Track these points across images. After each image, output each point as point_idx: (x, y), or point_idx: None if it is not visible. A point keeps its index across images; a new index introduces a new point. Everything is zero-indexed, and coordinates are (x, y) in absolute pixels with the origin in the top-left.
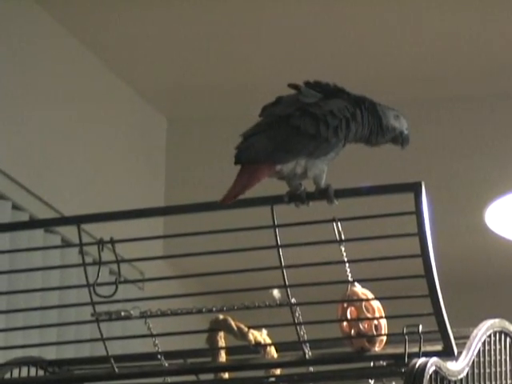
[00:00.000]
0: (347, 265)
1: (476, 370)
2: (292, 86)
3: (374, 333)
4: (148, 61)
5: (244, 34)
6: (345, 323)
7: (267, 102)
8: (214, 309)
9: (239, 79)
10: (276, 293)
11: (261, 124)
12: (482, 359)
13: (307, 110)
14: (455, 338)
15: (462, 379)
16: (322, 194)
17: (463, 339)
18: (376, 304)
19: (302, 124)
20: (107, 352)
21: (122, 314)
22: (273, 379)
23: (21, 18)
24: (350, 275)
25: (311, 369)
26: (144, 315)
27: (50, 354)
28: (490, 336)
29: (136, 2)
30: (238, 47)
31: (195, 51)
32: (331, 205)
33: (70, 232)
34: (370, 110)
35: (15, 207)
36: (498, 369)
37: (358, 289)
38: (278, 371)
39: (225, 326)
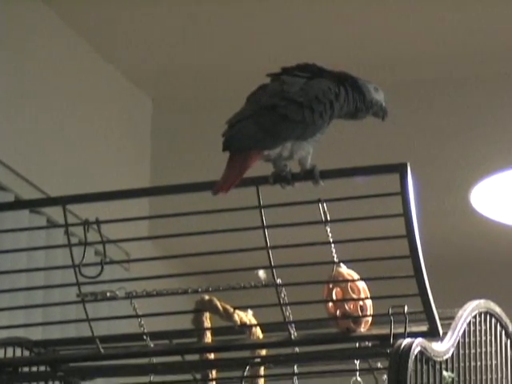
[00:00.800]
0: (333, 246)
1: (461, 351)
2: (272, 75)
3: (360, 314)
4: (133, 42)
5: (231, 16)
6: (330, 304)
7: (253, 84)
8: (199, 289)
9: (225, 61)
10: (261, 273)
11: (246, 111)
12: (467, 340)
13: (292, 99)
14: (440, 319)
15: (447, 360)
16: (308, 174)
17: (448, 320)
18: (361, 285)
19: (288, 112)
20: (93, 333)
21: (108, 294)
22: (258, 360)
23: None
24: (335, 256)
25: (297, 349)
26: (129, 296)
27: (36, 334)
28: (475, 317)
29: None
30: (225, 29)
31: (181, 32)
32: (317, 186)
33: (55, 213)
34: (353, 86)
35: (0, 188)
36: (483, 349)
37: (344, 270)
38: (263, 352)
39: (210, 307)
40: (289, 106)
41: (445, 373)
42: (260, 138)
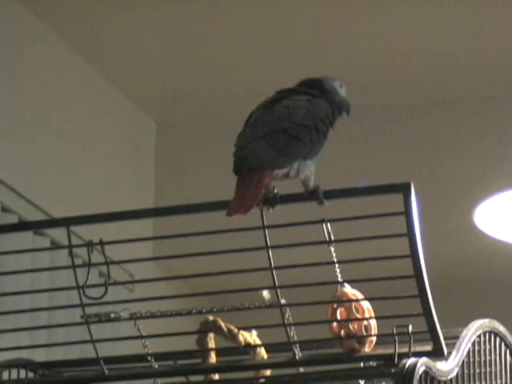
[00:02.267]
0: (337, 265)
1: (466, 371)
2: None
3: (364, 333)
4: (138, 65)
5: (233, 40)
6: (335, 324)
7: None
8: (203, 310)
9: (228, 84)
10: (266, 294)
11: (255, 133)
12: (471, 359)
13: (301, 123)
14: (445, 339)
15: (451, 379)
16: (312, 195)
17: (453, 339)
18: (366, 305)
19: (299, 134)
20: (97, 354)
21: (112, 315)
22: (263, 380)
23: (13, 24)
24: (339, 276)
25: (301, 370)
26: (134, 317)
27: (40, 355)
28: (479, 336)
29: (126, 8)
30: (228, 53)
31: (184, 56)
32: (321, 206)
33: (59, 234)
34: (331, 93)
35: (4, 209)
36: (488, 369)
37: (348, 289)
38: (268, 372)
39: (215, 328)
40: (298, 128)
41: None
42: (273, 157)
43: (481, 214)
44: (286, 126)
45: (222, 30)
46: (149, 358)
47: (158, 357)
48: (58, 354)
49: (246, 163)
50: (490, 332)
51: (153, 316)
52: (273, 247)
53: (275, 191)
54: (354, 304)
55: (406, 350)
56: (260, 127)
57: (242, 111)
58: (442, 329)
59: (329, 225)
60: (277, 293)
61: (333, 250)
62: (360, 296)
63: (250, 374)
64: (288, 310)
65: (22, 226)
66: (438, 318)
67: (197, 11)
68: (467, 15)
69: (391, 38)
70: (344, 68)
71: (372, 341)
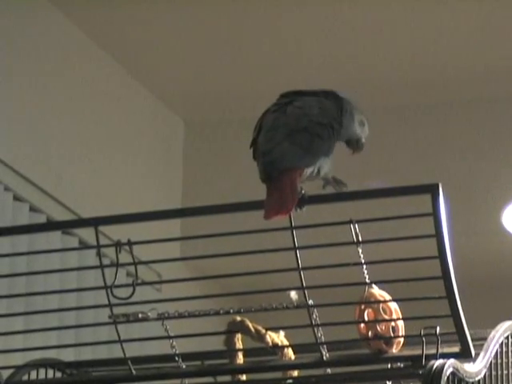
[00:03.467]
0: (364, 266)
1: (493, 372)
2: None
3: (392, 334)
4: (166, 64)
5: (261, 39)
6: (362, 325)
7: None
8: (231, 310)
9: (256, 83)
10: (293, 294)
11: (277, 136)
12: (499, 361)
13: (318, 121)
14: (472, 340)
15: (479, 381)
16: (337, 182)
17: (480, 341)
18: (393, 306)
19: (319, 131)
20: (125, 354)
21: (140, 315)
22: (290, 381)
23: (42, 24)
24: (367, 277)
25: (329, 370)
26: (161, 317)
27: (68, 355)
28: (507, 337)
29: (155, 8)
30: (255, 52)
31: (212, 55)
32: (345, 188)
33: (87, 234)
34: (346, 108)
35: (33, 209)
36: None
37: (376, 290)
38: (295, 373)
39: (242, 328)
40: (317, 126)
41: None
42: (301, 156)
43: (509, 215)
44: (306, 125)
45: (250, 29)
46: (176, 358)
47: (186, 357)
48: (86, 354)
49: (277, 167)
50: None
51: (180, 316)
52: (301, 248)
53: (303, 192)
54: (381, 305)
55: (433, 351)
56: (280, 130)
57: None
58: (469, 330)
59: (357, 225)
60: (304, 293)
61: (360, 250)
62: (388, 297)
63: (277, 374)
64: (315, 310)
65: (50, 225)
66: (466, 319)
67: (225, 11)
68: (492, 15)
69: (415, 36)
70: (370, 68)
71: (399, 342)
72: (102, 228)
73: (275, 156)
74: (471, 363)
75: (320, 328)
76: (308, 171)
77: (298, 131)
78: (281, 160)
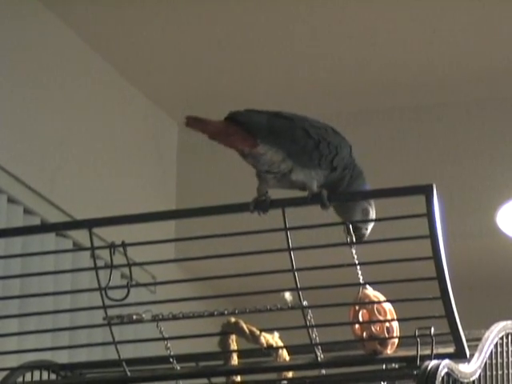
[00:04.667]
0: (358, 267)
1: (488, 372)
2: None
3: (386, 335)
4: (159, 66)
5: (254, 41)
6: (357, 326)
7: (278, 107)
8: (225, 312)
9: (250, 85)
10: (288, 295)
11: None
12: (494, 361)
13: (324, 137)
14: (467, 340)
15: (474, 381)
16: (315, 198)
17: (475, 341)
18: (388, 306)
19: (297, 132)
20: (119, 355)
21: (134, 317)
22: (285, 382)
23: (35, 25)
24: (361, 278)
25: (323, 371)
26: (156, 318)
27: (62, 357)
28: (502, 338)
29: (148, 10)
30: (250, 54)
31: (206, 57)
32: (325, 209)
33: (81, 236)
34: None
35: (27, 211)
36: (511, 371)
37: (370, 291)
38: (290, 374)
39: (236, 329)
40: (309, 128)
41: None
42: (261, 128)
43: (503, 216)
44: (300, 122)
45: (244, 30)
46: (171, 359)
47: (180, 358)
48: (81, 356)
49: (237, 115)
50: None
51: (175, 318)
52: (295, 249)
53: (267, 195)
54: (375, 306)
55: (428, 351)
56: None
57: None
58: (464, 330)
59: (351, 226)
60: (299, 294)
61: (354, 251)
62: (382, 298)
63: (272, 375)
64: (310, 311)
65: (44, 227)
66: (460, 320)
67: (218, 13)
68: (491, 16)
69: (413, 37)
70: (367, 69)
71: (394, 343)
72: (96, 230)
73: (245, 111)
74: (466, 364)
75: (315, 329)
76: (269, 154)
77: (282, 116)
78: (245, 114)
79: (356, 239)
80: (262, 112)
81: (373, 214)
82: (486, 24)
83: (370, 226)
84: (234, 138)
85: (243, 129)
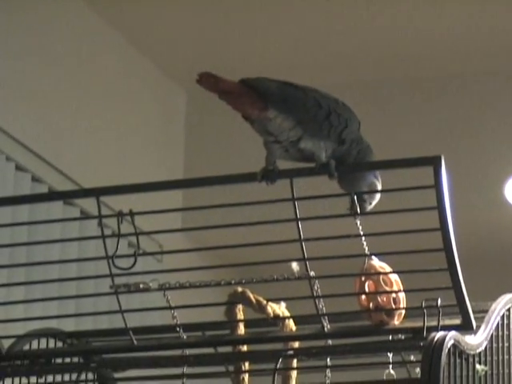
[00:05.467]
0: (364, 238)
1: (494, 344)
2: None
3: (393, 306)
4: (168, 35)
5: (264, 10)
6: (363, 297)
7: (286, 76)
8: (232, 281)
9: (257, 55)
10: (295, 266)
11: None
12: (500, 333)
13: (334, 107)
14: (474, 312)
15: (480, 353)
16: (323, 168)
17: (482, 313)
18: (394, 277)
19: (308, 101)
20: (126, 324)
21: (141, 286)
22: (291, 352)
23: None
24: (366, 248)
25: (330, 342)
26: (162, 288)
27: (69, 325)
28: (508, 310)
29: None
30: (258, 24)
31: (215, 26)
32: (332, 179)
33: (89, 204)
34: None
35: (34, 179)
36: None
37: (376, 262)
38: (296, 344)
39: (243, 299)
40: (320, 99)
41: (478, 366)
42: (274, 95)
43: (511, 188)
44: (311, 92)
45: (251, 3)
46: (177, 328)
47: (187, 328)
48: (87, 324)
49: (251, 80)
50: None
51: (182, 287)
52: (302, 219)
53: (275, 165)
54: (382, 277)
55: (434, 323)
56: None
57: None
58: (470, 302)
59: (355, 198)
60: (306, 265)
61: (359, 222)
62: (388, 269)
63: (278, 345)
64: (317, 282)
65: (52, 195)
66: (467, 292)
67: None
68: None
69: (421, 10)
70: (376, 39)
71: (401, 314)
72: (103, 198)
73: (259, 78)
74: (472, 335)
75: (321, 299)
76: (278, 120)
77: (291, 86)
78: (258, 80)
79: (361, 211)
80: (274, 80)
81: (377, 186)
82: None
83: (375, 200)
84: (245, 99)
85: (255, 92)
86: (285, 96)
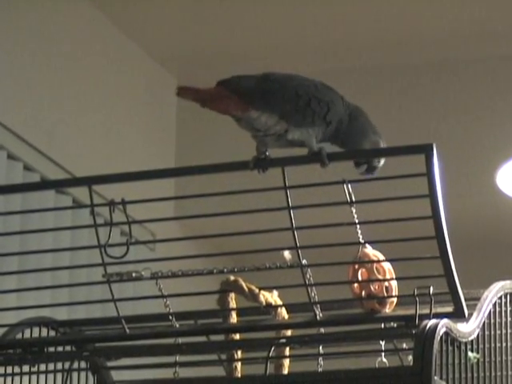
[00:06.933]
0: (358, 226)
1: (487, 332)
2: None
3: (385, 294)
4: (160, 23)
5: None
6: (356, 285)
7: (277, 65)
8: (224, 270)
9: (251, 43)
10: (287, 254)
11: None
12: (492, 321)
13: (314, 94)
14: (466, 300)
15: (472, 341)
16: (315, 156)
17: (474, 301)
18: (387, 266)
19: (303, 95)
20: (118, 313)
21: (133, 275)
22: (283, 340)
23: None
24: (360, 237)
25: (322, 330)
26: (155, 276)
27: (61, 314)
28: (500, 298)
29: None
30: (251, 11)
31: (208, 14)
32: (324, 167)
33: (81, 193)
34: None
35: (27, 168)
36: (509, 330)
37: (369, 250)
38: (288, 332)
39: (236, 287)
40: (289, 92)
41: (470, 354)
42: (252, 92)
43: (503, 176)
44: (289, 82)
45: None
46: (170, 317)
47: (179, 316)
48: (80, 313)
49: (227, 81)
50: (511, 294)
51: (174, 275)
52: (294, 207)
53: (267, 154)
54: (375, 265)
55: (426, 311)
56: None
57: (265, 68)
58: (462, 290)
59: (350, 186)
60: (298, 253)
61: (354, 211)
62: (381, 257)
63: (270, 333)
64: (309, 270)
65: (44, 184)
66: (459, 280)
67: None
68: None
69: None
70: (367, 25)
71: (393, 302)
72: (95, 187)
73: (237, 79)
74: (464, 323)
75: (314, 288)
76: (262, 118)
77: (271, 77)
78: (234, 81)
79: (368, 171)
80: (250, 77)
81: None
82: None
83: (383, 159)
84: (226, 104)
85: (234, 94)
86: (263, 93)
